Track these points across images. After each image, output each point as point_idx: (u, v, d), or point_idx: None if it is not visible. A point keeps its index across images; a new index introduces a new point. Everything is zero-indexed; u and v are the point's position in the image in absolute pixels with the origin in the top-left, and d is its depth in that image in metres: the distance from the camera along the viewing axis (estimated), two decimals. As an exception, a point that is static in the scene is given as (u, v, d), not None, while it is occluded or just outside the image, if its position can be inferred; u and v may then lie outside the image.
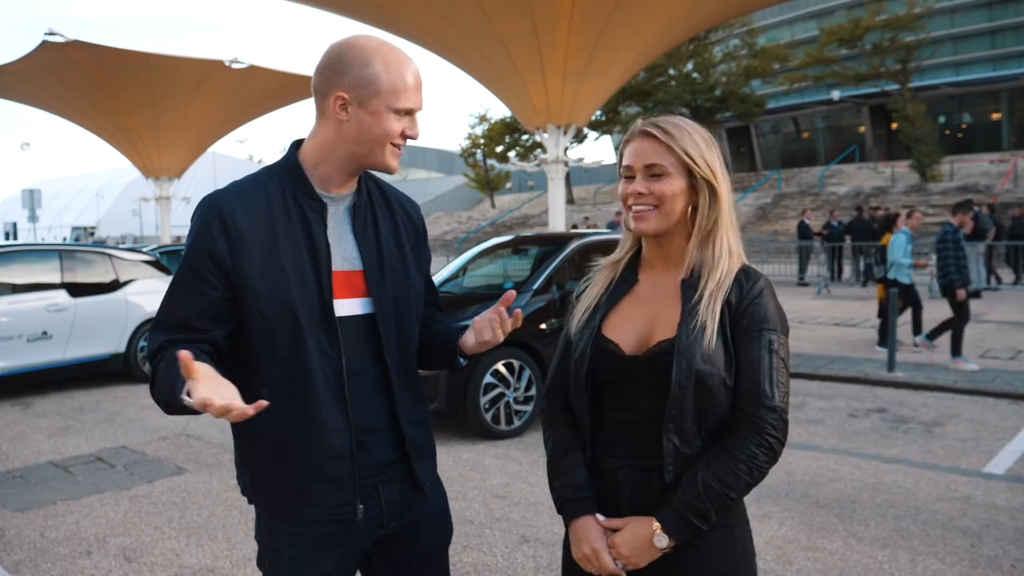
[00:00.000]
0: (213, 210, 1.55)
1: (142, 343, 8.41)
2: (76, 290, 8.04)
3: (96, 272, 8.33)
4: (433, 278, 1.96)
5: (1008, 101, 39.07)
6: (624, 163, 1.59)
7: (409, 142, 1.66)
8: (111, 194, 47.55)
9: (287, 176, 1.61)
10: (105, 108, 21.96)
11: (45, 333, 7.69)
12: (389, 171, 1.64)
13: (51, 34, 18.19)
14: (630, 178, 1.58)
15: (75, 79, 20.56)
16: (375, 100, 1.55)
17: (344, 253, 1.63)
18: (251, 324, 1.56)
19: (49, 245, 8.43)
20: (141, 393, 7.79)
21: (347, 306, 1.61)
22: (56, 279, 7.94)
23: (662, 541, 1.47)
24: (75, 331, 7.91)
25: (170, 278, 8.97)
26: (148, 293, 8.58)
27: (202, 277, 1.54)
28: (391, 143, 1.59)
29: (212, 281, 1.54)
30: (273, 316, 1.55)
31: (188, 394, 1.33)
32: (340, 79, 1.55)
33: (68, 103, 22.42)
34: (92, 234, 44.14)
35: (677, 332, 1.50)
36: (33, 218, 26.84)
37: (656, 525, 1.47)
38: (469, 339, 1.70)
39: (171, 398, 1.42)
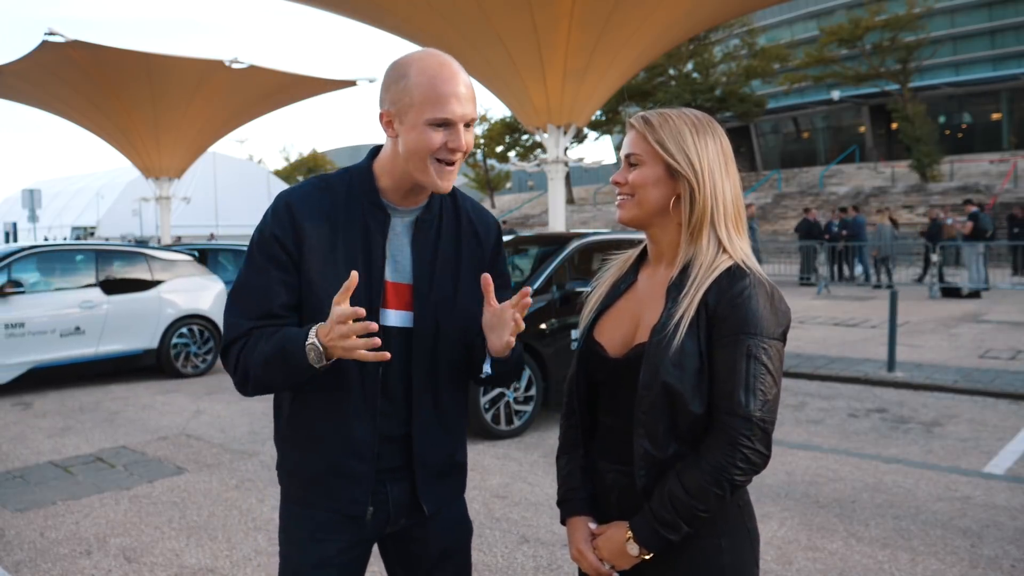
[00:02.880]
0: (283, 202, 1.61)
1: (175, 339, 8.72)
2: (110, 288, 8.40)
3: (131, 270, 8.73)
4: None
5: (1008, 101, 39.07)
6: (621, 155, 1.63)
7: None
8: (111, 194, 47.48)
9: (358, 182, 1.64)
10: (105, 108, 21.97)
11: (78, 328, 8.05)
12: (438, 190, 1.59)
13: (51, 34, 18.19)
14: None
15: (75, 79, 20.57)
16: (411, 113, 1.52)
17: (398, 264, 1.64)
18: (301, 321, 1.60)
19: (86, 244, 8.95)
20: (141, 393, 7.80)
21: (393, 317, 1.62)
22: (91, 277, 8.37)
23: (633, 549, 1.47)
24: (107, 327, 8.25)
25: (208, 275, 9.32)
26: (183, 291, 8.94)
27: (276, 262, 1.58)
28: (435, 158, 1.53)
29: (286, 265, 1.58)
30: (322, 316, 1.55)
31: (316, 336, 1.46)
32: (385, 96, 1.57)
33: (68, 103, 22.43)
34: (92, 234, 44.11)
35: (649, 335, 1.48)
36: (33, 218, 26.80)
37: (628, 533, 1.48)
38: (493, 342, 1.60)
39: (292, 357, 1.49)
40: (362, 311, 1.41)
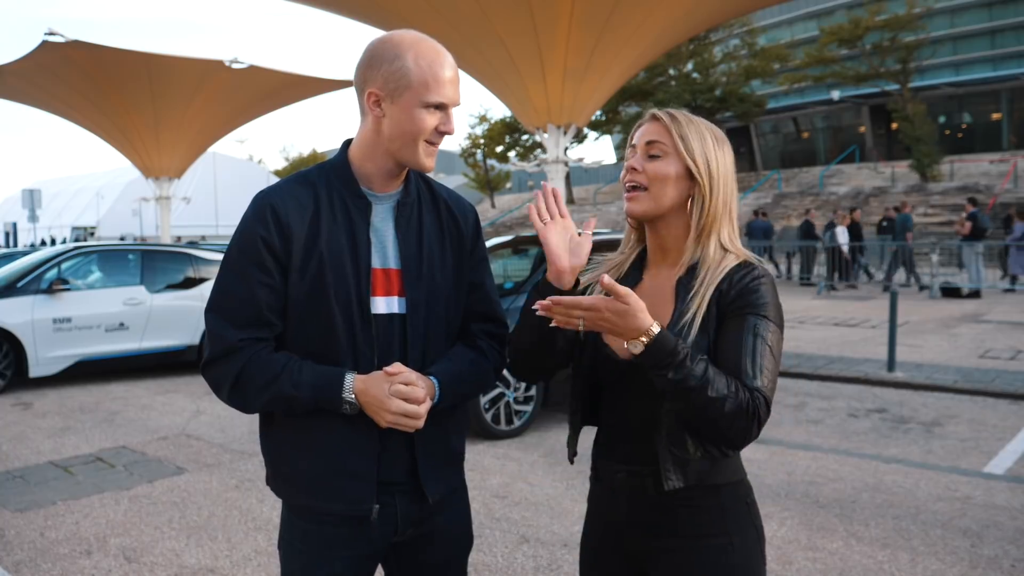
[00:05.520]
0: (265, 202, 1.59)
1: None
2: (154, 286, 8.90)
3: (175, 270, 9.21)
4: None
5: (1008, 101, 39.04)
6: (629, 144, 1.59)
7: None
8: (111, 194, 47.45)
9: (335, 174, 1.63)
10: (105, 108, 21.93)
11: (122, 324, 8.53)
12: (423, 169, 1.62)
13: (51, 34, 18.17)
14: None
15: (75, 79, 20.53)
16: (406, 94, 1.54)
17: (384, 251, 1.63)
18: (289, 315, 1.59)
19: (132, 245, 9.54)
20: (141, 393, 7.80)
21: (383, 304, 1.62)
22: (136, 276, 8.88)
23: (636, 347, 1.34)
24: (151, 323, 8.72)
25: None
26: None
27: (261, 265, 1.56)
28: (424, 140, 1.57)
29: (270, 269, 1.56)
30: (310, 309, 1.57)
31: (353, 393, 1.53)
32: (373, 75, 1.56)
33: (68, 103, 22.39)
34: (92, 234, 44.09)
35: None
36: (33, 218, 26.81)
37: (654, 327, 1.33)
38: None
39: (325, 404, 1.54)
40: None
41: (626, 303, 1.31)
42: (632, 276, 1.63)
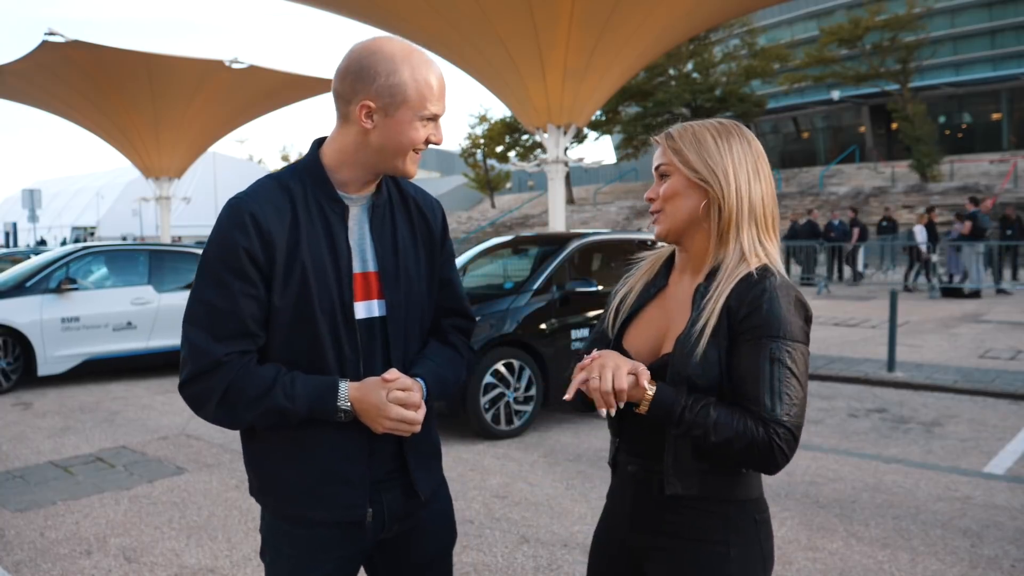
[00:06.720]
0: (242, 209, 1.52)
1: None
2: (162, 285, 8.92)
3: (183, 269, 9.16)
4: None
5: (1008, 101, 39.06)
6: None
7: None
8: (111, 194, 47.53)
9: (308, 176, 1.60)
10: (105, 108, 21.95)
11: (130, 324, 8.58)
12: (408, 177, 1.64)
13: (51, 34, 18.17)
14: None
15: (75, 79, 20.55)
16: (402, 109, 1.53)
17: (363, 254, 1.62)
18: (272, 325, 1.56)
19: (138, 245, 9.53)
20: (141, 393, 7.80)
21: (363, 308, 1.61)
22: (144, 275, 8.92)
23: (643, 408, 1.42)
24: (158, 322, 8.73)
25: None
26: None
27: (244, 276, 1.51)
28: (413, 150, 1.58)
29: (254, 280, 1.51)
30: (294, 318, 1.55)
31: (349, 401, 1.52)
32: (366, 87, 1.52)
33: (68, 103, 22.41)
34: (92, 234, 44.12)
35: (673, 346, 1.48)
36: (33, 218, 26.84)
37: (649, 390, 1.40)
38: None
39: (320, 415, 1.53)
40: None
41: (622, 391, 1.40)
42: (657, 280, 1.63)
